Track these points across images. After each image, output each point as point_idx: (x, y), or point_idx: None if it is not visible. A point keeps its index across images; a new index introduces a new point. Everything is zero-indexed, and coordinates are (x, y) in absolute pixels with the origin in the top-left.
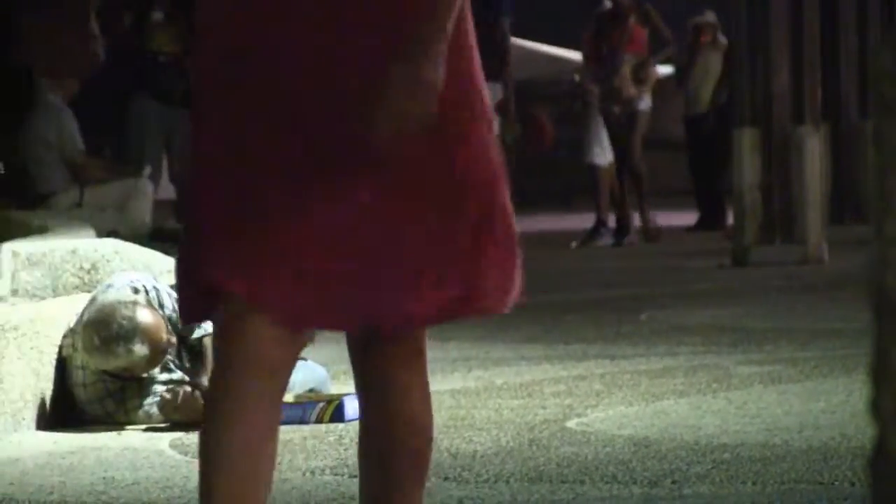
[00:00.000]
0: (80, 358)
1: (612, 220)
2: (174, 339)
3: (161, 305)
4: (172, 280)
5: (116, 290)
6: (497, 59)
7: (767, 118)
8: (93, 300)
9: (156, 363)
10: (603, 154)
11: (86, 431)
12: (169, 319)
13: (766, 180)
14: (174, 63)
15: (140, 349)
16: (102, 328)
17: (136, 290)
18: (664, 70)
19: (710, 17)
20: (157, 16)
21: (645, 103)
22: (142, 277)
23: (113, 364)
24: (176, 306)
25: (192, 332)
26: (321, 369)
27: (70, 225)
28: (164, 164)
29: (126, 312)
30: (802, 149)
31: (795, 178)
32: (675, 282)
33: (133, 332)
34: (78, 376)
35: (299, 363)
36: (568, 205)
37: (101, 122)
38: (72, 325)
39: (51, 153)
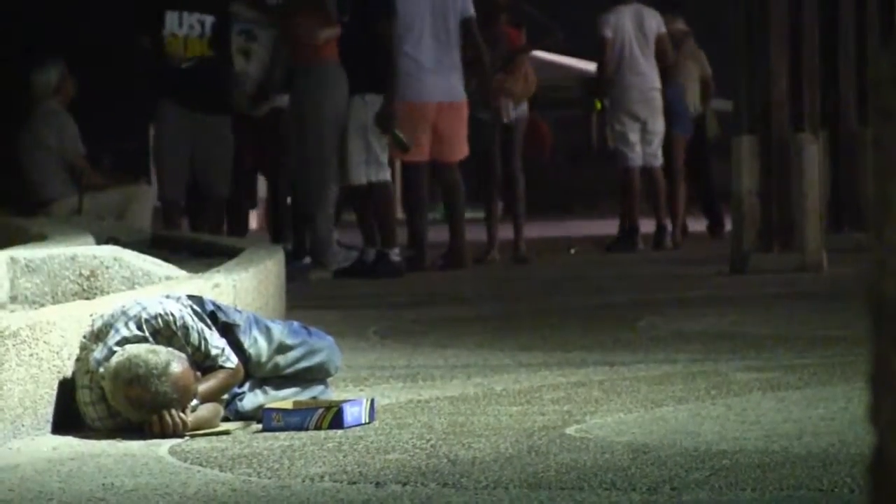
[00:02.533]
0: (93, 394)
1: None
2: (199, 375)
3: (187, 341)
4: (175, 287)
5: (146, 333)
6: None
7: (766, 125)
8: (115, 331)
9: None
10: (636, 157)
11: (85, 438)
12: (196, 350)
13: (764, 187)
14: (197, 68)
15: (172, 405)
16: (135, 391)
17: (156, 332)
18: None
19: (679, 24)
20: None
21: (520, 110)
22: (170, 306)
23: (138, 418)
24: (200, 331)
25: (215, 361)
26: (329, 338)
27: (69, 231)
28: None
29: (162, 382)
30: (801, 156)
31: (794, 185)
32: (673, 289)
33: (166, 397)
34: (85, 396)
35: (301, 335)
36: (567, 211)
37: (127, 129)
38: (84, 336)
39: (51, 157)
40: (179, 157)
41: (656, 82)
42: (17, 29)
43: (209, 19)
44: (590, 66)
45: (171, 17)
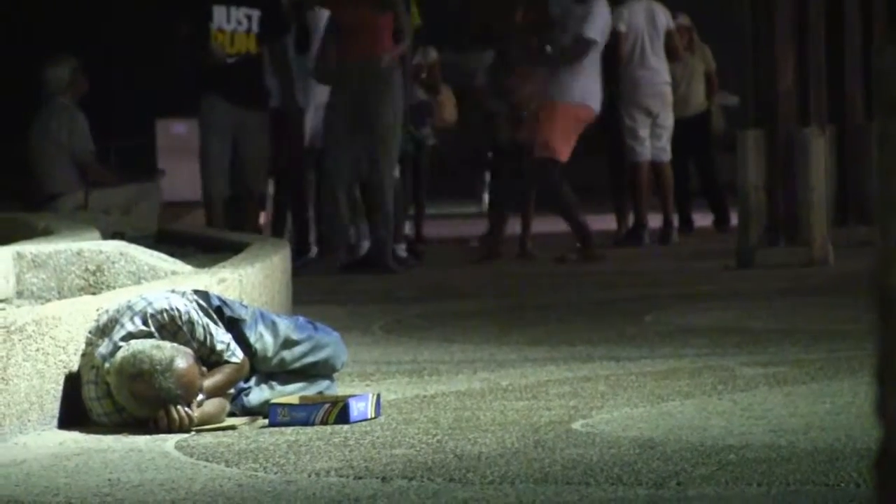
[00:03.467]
0: (99, 389)
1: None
2: (205, 370)
3: (193, 336)
4: (181, 282)
5: (152, 328)
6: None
7: (772, 119)
8: (120, 326)
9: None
10: (644, 151)
11: (91, 433)
12: (201, 345)
13: (771, 182)
14: (242, 63)
15: (176, 400)
16: (139, 387)
17: (161, 327)
18: None
19: (683, 19)
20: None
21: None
22: (175, 301)
23: (143, 414)
24: (206, 326)
25: (221, 356)
26: (335, 333)
27: (75, 227)
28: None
29: (166, 378)
30: (807, 150)
31: (801, 179)
32: (679, 283)
33: (170, 393)
34: (90, 391)
35: (307, 330)
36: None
37: None
38: (90, 331)
39: (61, 152)
40: (224, 153)
41: (666, 76)
42: (30, 24)
43: (256, 14)
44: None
45: (218, 12)
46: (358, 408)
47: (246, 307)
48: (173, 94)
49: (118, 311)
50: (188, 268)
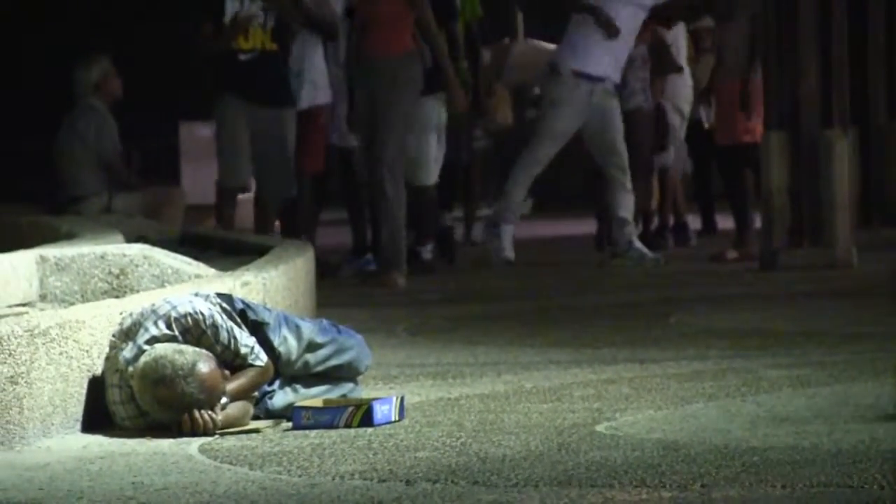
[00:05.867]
0: (123, 393)
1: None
2: (228, 373)
3: (217, 339)
4: (205, 286)
5: (175, 332)
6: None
7: (795, 121)
8: (144, 329)
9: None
10: (668, 155)
11: (114, 436)
12: (225, 349)
13: (794, 184)
14: (257, 60)
15: (199, 405)
16: (161, 392)
17: (185, 331)
18: None
19: (707, 22)
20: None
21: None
22: (199, 305)
23: (166, 418)
24: (230, 329)
25: (245, 359)
26: (358, 336)
27: (99, 230)
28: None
29: (188, 383)
30: (831, 152)
31: (824, 181)
32: (703, 285)
33: (192, 397)
34: (114, 395)
35: (331, 333)
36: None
37: None
38: (114, 335)
39: (88, 154)
40: (240, 151)
41: (688, 80)
42: (63, 25)
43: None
44: None
45: (231, 4)
46: (382, 410)
47: (269, 310)
48: (197, 97)
49: (142, 314)
50: (212, 271)
